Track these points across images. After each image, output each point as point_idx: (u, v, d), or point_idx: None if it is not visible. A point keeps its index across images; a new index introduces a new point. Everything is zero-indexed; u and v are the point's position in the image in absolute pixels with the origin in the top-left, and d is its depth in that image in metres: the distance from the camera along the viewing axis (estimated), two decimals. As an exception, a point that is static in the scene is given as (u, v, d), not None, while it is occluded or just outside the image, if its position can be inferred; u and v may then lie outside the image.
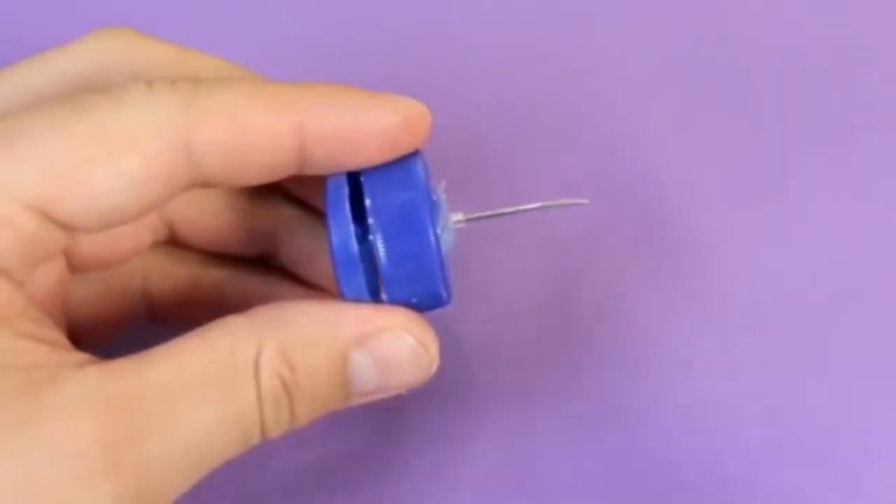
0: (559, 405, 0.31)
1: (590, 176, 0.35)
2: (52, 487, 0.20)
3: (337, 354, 0.24)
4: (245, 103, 0.23)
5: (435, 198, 0.25)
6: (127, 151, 0.22)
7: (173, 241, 0.28)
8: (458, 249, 0.27)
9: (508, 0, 0.39)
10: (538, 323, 0.33)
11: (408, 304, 0.24)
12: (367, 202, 0.24)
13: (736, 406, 0.31)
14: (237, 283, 0.29)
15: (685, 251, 0.34)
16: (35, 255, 0.23)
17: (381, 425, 0.31)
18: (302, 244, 0.28)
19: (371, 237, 0.23)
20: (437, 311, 0.25)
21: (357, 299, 0.24)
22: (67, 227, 0.23)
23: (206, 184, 0.24)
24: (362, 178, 0.24)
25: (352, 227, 0.24)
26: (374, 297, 0.24)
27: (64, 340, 0.23)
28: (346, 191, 0.24)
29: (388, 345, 0.24)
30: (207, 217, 0.28)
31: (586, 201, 0.27)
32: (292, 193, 0.29)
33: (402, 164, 0.24)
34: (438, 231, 0.24)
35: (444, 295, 0.24)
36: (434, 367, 0.25)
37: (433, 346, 0.25)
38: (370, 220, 0.24)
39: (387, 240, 0.23)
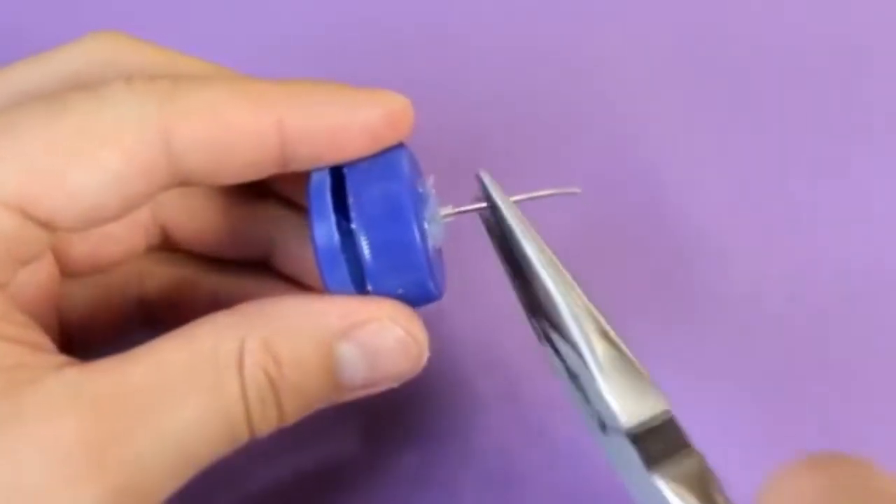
0: (557, 406, 0.31)
1: (590, 176, 0.35)
2: (36, 487, 0.20)
3: (322, 346, 0.23)
4: (225, 100, 0.23)
5: (421, 190, 0.25)
6: (106, 148, 0.22)
7: (167, 245, 0.28)
8: (453, 250, 0.27)
9: (508, 0, 0.39)
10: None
11: (396, 297, 0.24)
12: (349, 194, 0.24)
13: (736, 406, 0.31)
14: (233, 288, 0.29)
15: (685, 251, 0.34)
16: (16, 255, 0.22)
17: (373, 426, 0.31)
18: (294, 246, 0.28)
19: (353, 226, 0.23)
20: (434, 312, 0.25)
21: (342, 292, 0.24)
22: (48, 226, 0.22)
23: (187, 181, 0.23)
24: (345, 171, 0.24)
25: (333, 220, 0.23)
26: (360, 290, 0.24)
27: (46, 343, 0.23)
28: (328, 183, 0.24)
29: (375, 335, 0.24)
30: (199, 220, 0.28)
31: (578, 190, 0.26)
32: (284, 195, 0.28)
33: (385, 157, 0.24)
34: (424, 223, 0.24)
35: (432, 286, 0.24)
36: (424, 359, 0.25)
37: (422, 337, 0.24)
38: (352, 213, 0.23)
39: (369, 230, 0.23)
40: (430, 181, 0.25)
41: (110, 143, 0.22)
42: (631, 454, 0.23)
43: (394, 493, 0.30)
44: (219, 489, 0.29)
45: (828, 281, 0.33)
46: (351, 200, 0.23)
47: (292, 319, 0.23)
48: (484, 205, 0.25)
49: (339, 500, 0.30)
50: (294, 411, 0.24)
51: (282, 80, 0.24)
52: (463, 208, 0.25)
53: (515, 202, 0.25)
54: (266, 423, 0.23)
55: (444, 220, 0.25)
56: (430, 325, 0.25)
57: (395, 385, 0.25)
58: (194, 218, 0.28)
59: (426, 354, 0.25)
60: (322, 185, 0.24)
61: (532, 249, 0.24)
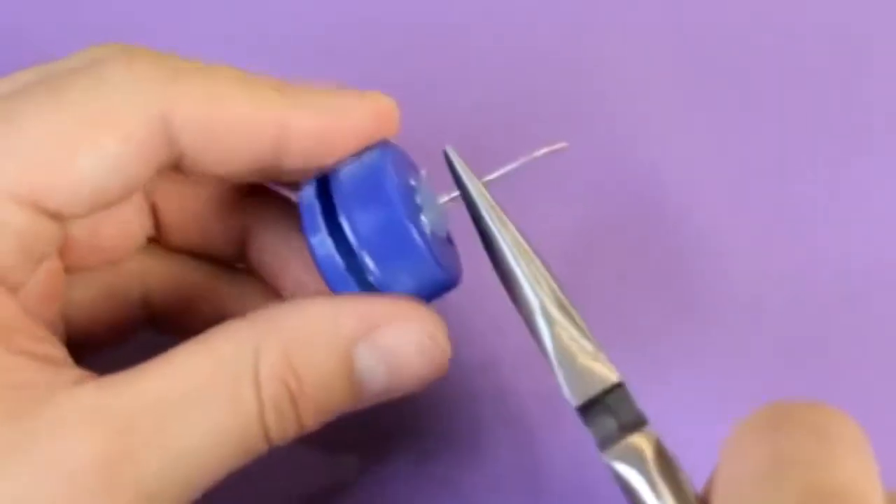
0: (558, 406, 0.31)
1: (590, 176, 0.35)
2: None
3: (341, 353, 0.23)
4: (225, 87, 0.23)
5: (413, 182, 0.25)
6: (108, 132, 0.22)
7: (163, 239, 0.28)
8: (463, 243, 0.27)
9: (508, 0, 0.39)
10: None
11: (408, 290, 0.24)
12: (339, 211, 0.24)
13: (736, 405, 0.31)
14: (238, 291, 0.29)
15: (686, 251, 0.34)
16: (32, 253, 0.22)
17: (372, 425, 0.31)
18: (276, 249, 0.28)
19: (349, 237, 0.23)
20: (435, 306, 0.25)
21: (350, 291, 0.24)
22: (58, 217, 0.22)
23: (182, 164, 0.23)
24: (331, 184, 0.24)
25: (326, 232, 0.24)
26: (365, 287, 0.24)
27: (59, 354, 0.22)
28: (317, 205, 0.24)
29: (394, 337, 0.23)
30: (189, 209, 0.28)
31: (565, 144, 0.26)
32: (272, 195, 0.28)
33: (370, 162, 0.24)
34: (420, 214, 0.24)
35: (439, 271, 0.24)
36: (446, 359, 0.24)
37: (442, 336, 0.24)
38: (344, 225, 0.23)
39: (365, 238, 0.23)
40: (423, 173, 0.25)
41: (112, 127, 0.22)
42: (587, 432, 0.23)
43: (394, 492, 0.30)
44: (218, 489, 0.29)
45: (828, 281, 0.33)
46: (347, 228, 0.23)
47: (309, 326, 0.23)
48: (482, 179, 0.25)
49: (339, 500, 0.30)
50: (313, 421, 0.23)
51: (279, 79, 0.24)
52: (453, 194, 0.25)
53: (508, 173, 0.25)
54: (284, 434, 0.23)
55: (440, 207, 0.25)
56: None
57: (417, 389, 0.24)
58: (184, 207, 0.28)
59: (448, 354, 0.24)
60: (312, 205, 0.24)
61: (490, 219, 0.24)
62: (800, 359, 0.32)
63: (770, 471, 0.18)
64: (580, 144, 0.36)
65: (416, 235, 0.23)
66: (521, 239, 0.24)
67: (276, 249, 0.28)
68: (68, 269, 0.26)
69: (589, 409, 0.23)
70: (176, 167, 0.24)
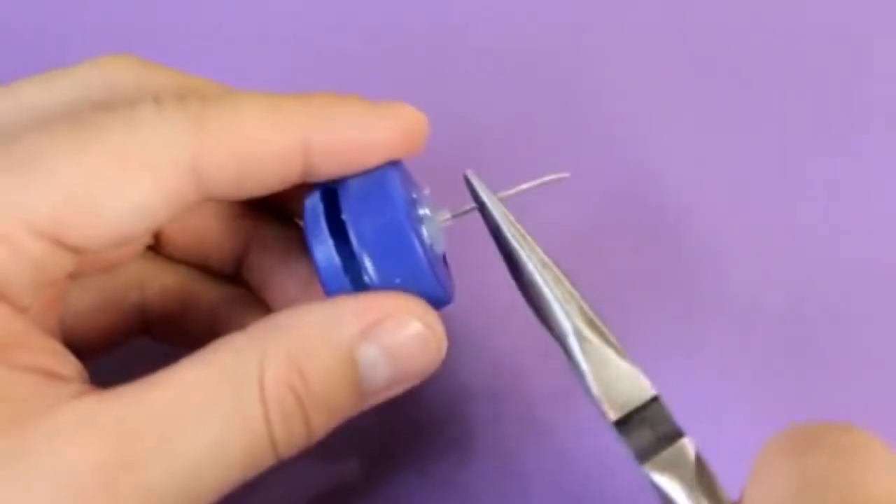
0: (558, 406, 0.31)
1: (590, 176, 0.35)
2: None
3: (343, 352, 0.23)
4: (252, 120, 0.23)
5: (415, 196, 0.25)
6: (139, 176, 0.22)
7: (161, 247, 0.28)
8: (455, 251, 0.27)
9: (508, 0, 0.39)
10: (537, 324, 0.33)
11: None
12: (347, 221, 0.24)
13: (737, 405, 0.31)
14: (234, 302, 0.28)
15: (685, 251, 0.34)
16: (43, 281, 0.22)
17: (371, 425, 0.31)
18: (272, 267, 0.28)
19: (354, 249, 0.24)
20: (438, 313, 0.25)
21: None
22: (77, 251, 0.22)
23: (211, 198, 0.24)
24: (339, 192, 0.24)
25: (331, 242, 0.24)
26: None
27: (65, 369, 0.22)
28: (321, 208, 0.24)
29: (394, 331, 0.23)
30: (190, 229, 0.28)
31: (567, 174, 0.26)
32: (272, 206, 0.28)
33: (376, 172, 0.25)
34: (422, 229, 0.24)
35: (439, 289, 0.24)
36: (443, 351, 0.24)
37: (439, 328, 0.24)
38: (351, 237, 0.24)
39: (368, 248, 0.24)
40: (426, 191, 0.26)
41: (143, 171, 0.22)
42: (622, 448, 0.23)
43: (392, 492, 0.30)
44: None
45: (828, 281, 0.33)
46: (350, 228, 0.24)
47: (311, 330, 0.23)
48: (474, 206, 0.25)
49: (338, 500, 0.30)
50: (321, 426, 0.23)
51: (303, 96, 0.24)
52: (458, 211, 0.25)
53: (504, 198, 0.25)
54: (292, 443, 0.23)
55: (442, 224, 0.25)
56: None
57: (416, 383, 0.24)
58: (183, 220, 0.28)
59: (445, 346, 0.24)
60: (316, 209, 0.24)
61: (517, 244, 0.25)
62: (799, 358, 0.32)
63: (801, 494, 0.18)
64: (580, 144, 0.36)
65: (415, 241, 0.24)
66: (548, 260, 0.25)
67: (273, 268, 0.28)
68: (69, 276, 0.26)
69: (625, 423, 0.23)
70: (203, 200, 0.24)
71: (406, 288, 0.24)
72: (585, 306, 0.24)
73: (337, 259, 0.24)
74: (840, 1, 0.39)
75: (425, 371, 0.24)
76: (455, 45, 0.38)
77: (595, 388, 0.23)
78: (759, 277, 0.33)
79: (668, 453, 0.22)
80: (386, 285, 0.24)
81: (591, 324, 0.24)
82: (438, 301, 0.25)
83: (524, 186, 0.26)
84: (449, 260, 0.28)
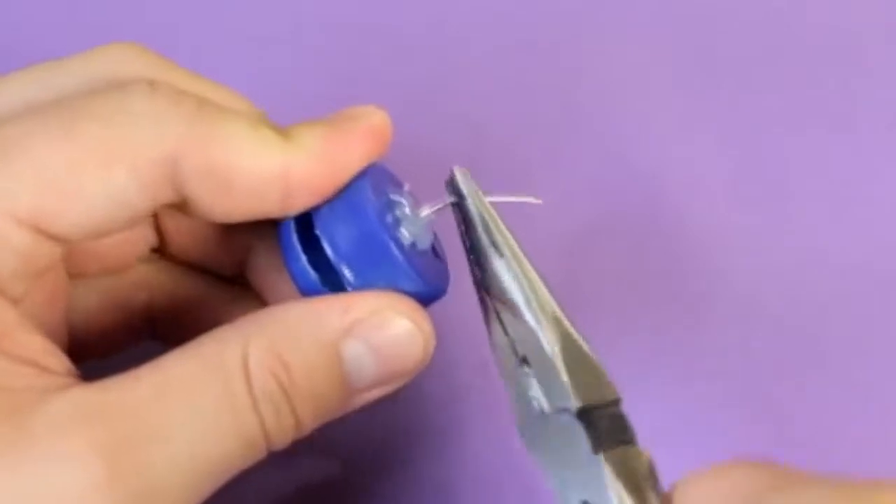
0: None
1: (590, 176, 0.35)
2: (58, 498, 0.20)
3: (328, 346, 0.23)
4: (240, 140, 0.23)
5: (395, 198, 0.25)
6: (116, 164, 0.22)
7: (166, 250, 0.28)
8: (456, 252, 0.27)
9: (509, 0, 0.39)
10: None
11: None
12: (320, 234, 0.24)
13: (736, 405, 0.31)
14: (239, 305, 0.28)
15: (685, 251, 0.34)
16: (31, 270, 0.22)
17: (369, 425, 0.31)
18: (274, 270, 0.28)
19: (331, 259, 0.24)
20: (430, 310, 0.25)
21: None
22: (59, 240, 0.22)
23: (186, 209, 0.24)
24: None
25: (304, 258, 0.24)
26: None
27: (58, 363, 0.22)
28: (292, 225, 0.24)
29: (379, 328, 0.23)
30: (194, 232, 0.28)
31: (539, 201, 0.26)
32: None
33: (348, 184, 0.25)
34: (400, 228, 0.24)
35: (418, 280, 0.24)
36: (431, 348, 0.24)
37: (426, 325, 0.24)
38: (326, 248, 0.24)
39: (327, 228, 0.24)
40: (406, 187, 0.26)
41: (121, 163, 0.22)
42: (577, 436, 0.23)
43: (380, 491, 0.30)
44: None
45: (828, 280, 0.33)
46: (324, 242, 0.24)
47: (294, 322, 0.23)
48: (453, 199, 0.25)
49: (337, 500, 0.30)
50: (309, 418, 0.23)
51: (291, 130, 0.24)
52: (438, 205, 0.25)
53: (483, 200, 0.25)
54: (282, 433, 0.23)
55: (424, 220, 0.25)
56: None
57: (406, 381, 0.24)
58: (188, 224, 0.28)
59: (433, 343, 0.24)
60: (288, 226, 0.24)
61: (500, 239, 0.24)
62: (799, 358, 0.32)
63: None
64: (580, 144, 0.36)
65: (391, 245, 0.24)
66: (523, 258, 0.25)
67: (274, 269, 0.28)
68: (71, 275, 0.26)
69: (587, 413, 0.23)
70: (180, 208, 0.24)
71: (389, 289, 0.24)
72: (557, 307, 0.24)
73: (313, 274, 0.24)
74: (841, 3, 0.39)
75: (413, 368, 0.24)
76: (455, 45, 0.38)
77: (564, 373, 0.23)
78: (759, 277, 0.33)
79: (623, 451, 0.23)
80: (362, 280, 0.24)
81: (562, 322, 0.24)
82: (427, 297, 0.25)
83: (494, 199, 0.26)
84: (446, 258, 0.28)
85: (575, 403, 0.23)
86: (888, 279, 0.34)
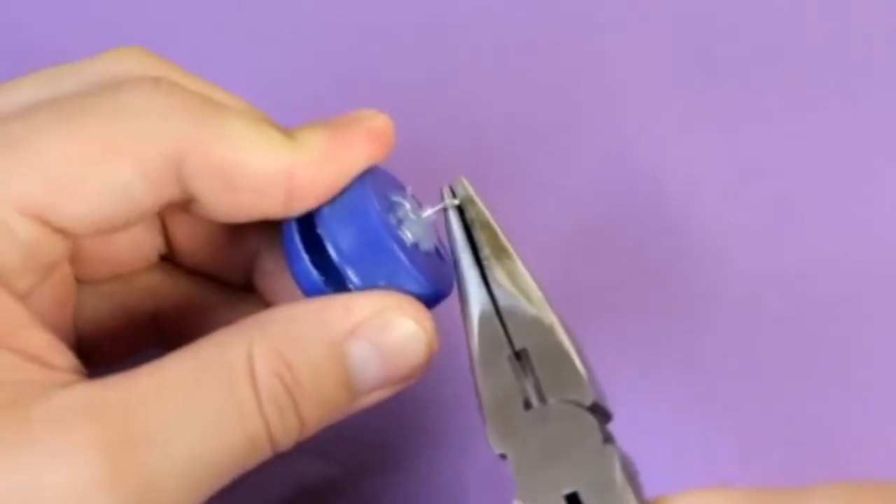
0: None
1: (590, 176, 0.35)
2: (57, 494, 0.20)
3: (331, 346, 0.23)
4: (242, 139, 0.23)
5: (395, 199, 0.25)
6: (120, 159, 0.22)
7: (175, 256, 0.28)
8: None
9: (508, 0, 0.39)
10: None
11: None
12: (323, 236, 0.24)
13: (736, 404, 0.31)
14: (246, 312, 0.28)
15: (685, 251, 0.34)
16: (37, 264, 0.23)
17: (368, 426, 0.31)
18: (281, 275, 0.28)
19: (335, 260, 0.24)
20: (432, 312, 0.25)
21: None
22: (65, 234, 0.23)
23: (191, 208, 0.24)
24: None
25: (307, 260, 0.24)
26: None
27: (61, 360, 0.22)
28: (295, 227, 0.24)
29: (382, 328, 0.23)
30: (201, 239, 0.28)
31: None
32: None
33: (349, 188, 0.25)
34: (402, 228, 0.24)
35: (421, 279, 0.24)
36: (434, 349, 0.24)
37: (429, 324, 0.24)
38: (330, 251, 0.24)
39: (330, 230, 0.24)
40: (408, 189, 0.26)
41: (125, 156, 0.22)
42: (583, 428, 0.23)
43: (372, 492, 0.30)
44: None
45: (828, 280, 0.33)
46: (327, 242, 0.24)
47: (297, 323, 0.23)
48: (454, 202, 0.25)
49: (336, 500, 0.30)
50: (313, 419, 0.23)
51: (296, 132, 0.24)
52: (437, 207, 0.25)
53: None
54: (287, 434, 0.22)
55: (426, 221, 0.25)
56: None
57: (410, 382, 0.24)
58: (194, 230, 0.28)
59: (436, 345, 0.24)
60: (290, 227, 0.24)
61: (508, 243, 0.25)
62: (799, 358, 0.32)
63: None
64: (580, 144, 0.36)
65: (394, 245, 0.24)
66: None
67: (280, 274, 0.28)
68: (79, 280, 0.26)
69: (596, 407, 0.24)
70: (185, 208, 0.24)
71: (392, 289, 0.24)
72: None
73: (315, 274, 0.24)
74: (840, 2, 0.39)
75: (416, 368, 0.24)
76: (455, 46, 0.38)
77: (581, 368, 0.24)
78: (758, 277, 0.33)
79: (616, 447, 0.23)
80: (366, 281, 0.24)
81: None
82: (431, 297, 0.25)
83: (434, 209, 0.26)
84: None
85: (590, 396, 0.24)
86: (888, 279, 0.33)
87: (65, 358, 0.22)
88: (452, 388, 0.31)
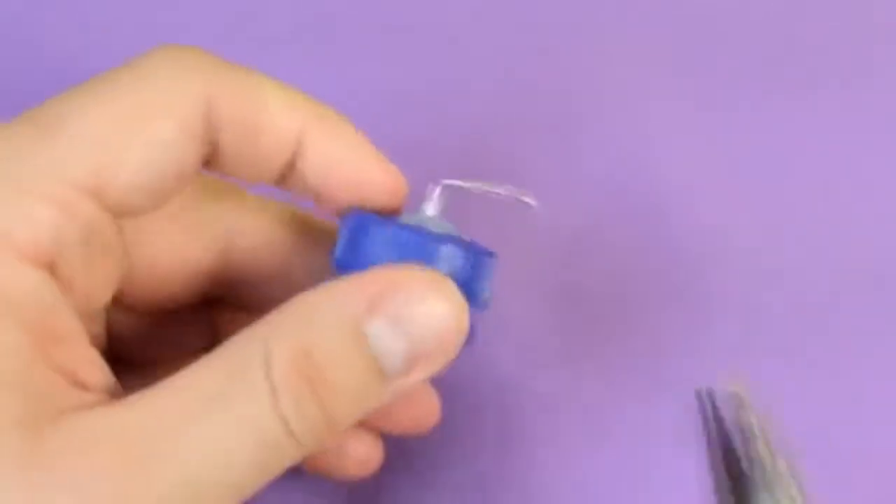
0: (559, 405, 0.31)
1: (590, 176, 0.35)
2: None
3: (351, 327, 0.21)
4: (267, 88, 0.23)
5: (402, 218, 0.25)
6: (160, 119, 0.22)
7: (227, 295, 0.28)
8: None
9: (509, 0, 0.39)
10: (538, 324, 0.33)
11: None
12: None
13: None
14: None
15: (685, 251, 0.34)
16: (92, 248, 0.22)
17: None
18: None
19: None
20: None
21: None
22: (117, 211, 0.22)
23: (211, 163, 0.24)
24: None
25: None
26: None
27: (93, 377, 0.21)
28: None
29: (405, 305, 0.22)
30: (269, 269, 0.27)
31: (534, 203, 0.25)
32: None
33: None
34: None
35: (448, 243, 0.23)
36: (465, 321, 0.22)
37: (458, 298, 0.22)
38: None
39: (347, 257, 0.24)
40: (437, 190, 0.25)
41: (164, 115, 0.22)
42: None
43: (391, 495, 0.30)
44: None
45: (828, 280, 0.33)
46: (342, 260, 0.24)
47: (315, 309, 0.22)
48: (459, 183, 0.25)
49: (336, 500, 0.30)
50: (343, 411, 0.22)
51: (314, 99, 0.24)
52: (433, 198, 0.25)
53: (470, 187, 0.25)
54: (311, 431, 0.21)
55: (436, 219, 0.25)
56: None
57: (447, 358, 0.22)
58: (263, 268, 0.27)
59: (466, 315, 0.22)
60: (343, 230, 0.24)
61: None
62: (799, 357, 0.32)
63: None
64: (580, 144, 0.36)
65: (412, 233, 0.23)
66: None
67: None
68: (119, 306, 0.26)
69: None
70: (209, 163, 0.24)
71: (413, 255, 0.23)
72: None
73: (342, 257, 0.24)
74: (840, 2, 0.39)
75: (448, 347, 0.22)
76: (455, 46, 0.38)
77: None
78: (759, 277, 0.33)
79: None
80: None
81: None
82: (466, 266, 0.23)
83: (489, 188, 0.25)
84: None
85: None
86: (889, 279, 0.33)
87: (101, 375, 0.22)
88: (450, 390, 0.32)
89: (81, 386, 0.21)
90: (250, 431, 0.21)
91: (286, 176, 0.25)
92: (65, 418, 0.20)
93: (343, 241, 0.24)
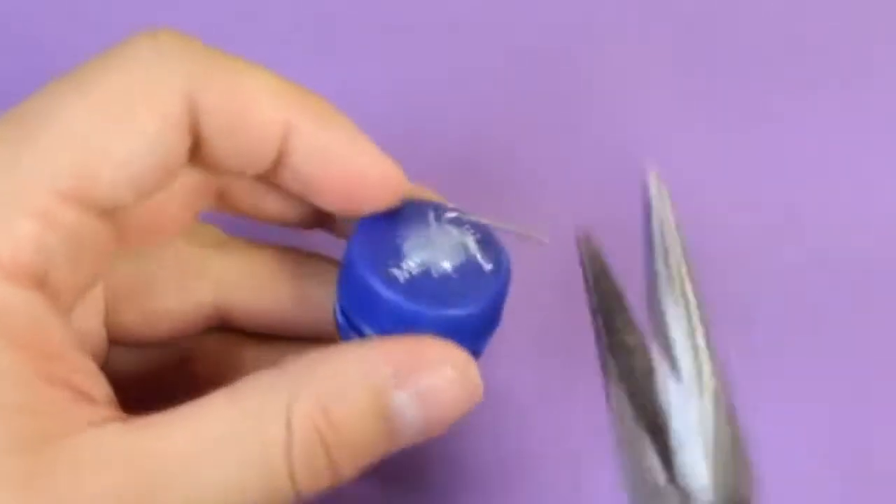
0: (559, 405, 0.31)
1: (590, 176, 0.35)
2: None
3: (377, 397, 0.22)
4: (251, 75, 0.23)
5: (406, 232, 0.24)
6: (142, 110, 0.22)
7: (225, 325, 0.27)
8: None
9: (509, 0, 0.39)
10: (538, 324, 0.33)
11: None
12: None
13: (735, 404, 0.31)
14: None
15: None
16: (82, 258, 0.22)
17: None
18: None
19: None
20: None
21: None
22: (103, 211, 0.22)
23: (196, 156, 0.23)
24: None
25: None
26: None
27: (92, 390, 0.21)
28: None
29: (429, 380, 0.23)
30: (266, 300, 0.27)
31: (546, 241, 0.26)
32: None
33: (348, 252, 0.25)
34: (397, 260, 0.24)
35: (433, 315, 0.23)
36: (480, 393, 0.23)
37: (473, 371, 0.23)
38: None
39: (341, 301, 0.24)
40: (451, 206, 0.25)
41: (146, 106, 0.22)
42: None
43: (365, 493, 0.30)
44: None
45: (828, 280, 0.33)
46: (336, 304, 0.25)
47: (342, 371, 0.22)
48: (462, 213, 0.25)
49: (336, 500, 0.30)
50: (349, 469, 0.22)
51: (303, 89, 0.24)
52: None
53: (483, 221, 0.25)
54: (314, 486, 0.22)
55: (442, 239, 0.25)
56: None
57: (446, 429, 0.23)
58: (260, 298, 0.27)
59: (480, 391, 0.23)
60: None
61: (680, 282, 0.24)
62: (800, 357, 0.32)
63: None
64: (580, 145, 0.36)
65: (380, 288, 0.23)
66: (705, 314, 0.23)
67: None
68: (114, 341, 0.26)
69: None
70: (192, 157, 0.23)
71: (412, 328, 0.23)
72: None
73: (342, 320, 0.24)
74: (845, 10, 0.39)
75: (458, 416, 0.23)
76: (456, 46, 0.38)
77: (708, 470, 0.22)
78: (759, 277, 0.33)
79: None
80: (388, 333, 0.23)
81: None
82: (458, 327, 0.24)
83: (500, 223, 0.25)
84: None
85: (710, 497, 0.21)
86: (889, 279, 0.34)
87: (101, 388, 0.22)
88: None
89: (88, 399, 0.21)
90: (259, 475, 0.21)
91: (276, 169, 0.24)
92: (77, 435, 0.20)
93: (346, 290, 0.24)
